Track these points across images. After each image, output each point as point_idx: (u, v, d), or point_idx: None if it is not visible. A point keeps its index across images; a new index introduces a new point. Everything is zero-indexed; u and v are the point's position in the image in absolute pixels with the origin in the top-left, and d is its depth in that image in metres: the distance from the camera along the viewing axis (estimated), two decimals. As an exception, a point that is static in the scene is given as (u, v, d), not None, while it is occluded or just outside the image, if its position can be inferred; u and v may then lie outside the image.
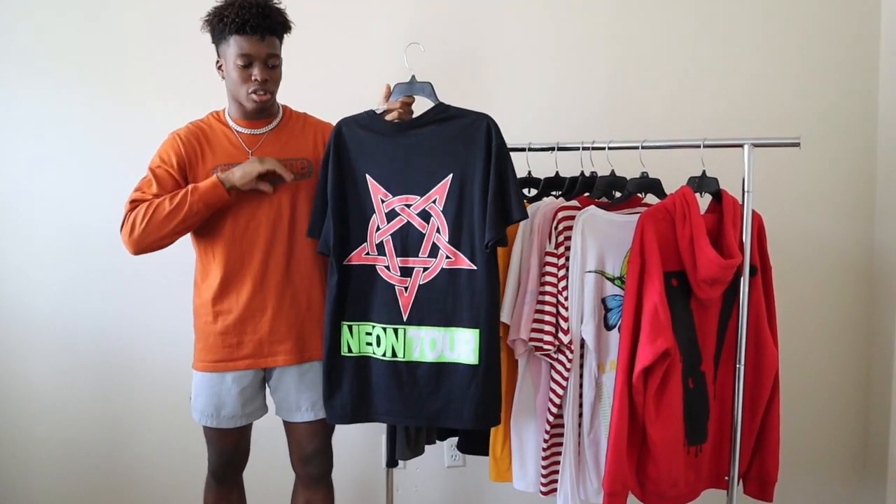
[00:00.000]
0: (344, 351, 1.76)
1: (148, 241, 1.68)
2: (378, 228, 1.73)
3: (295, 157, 1.78)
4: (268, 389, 1.87)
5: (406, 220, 1.71)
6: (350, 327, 1.75)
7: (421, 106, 1.76)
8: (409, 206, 1.71)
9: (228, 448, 1.86)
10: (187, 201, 1.65)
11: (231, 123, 1.78)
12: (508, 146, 1.85)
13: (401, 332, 1.72)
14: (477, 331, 1.66)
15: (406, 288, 1.72)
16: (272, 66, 1.71)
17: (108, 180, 2.27)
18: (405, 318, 1.71)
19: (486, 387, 1.66)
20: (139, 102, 2.28)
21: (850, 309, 2.36)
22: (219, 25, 1.67)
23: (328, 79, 2.25)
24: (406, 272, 1.72)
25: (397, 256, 1.72)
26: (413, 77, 1.77)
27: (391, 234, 1.72)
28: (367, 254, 1.74)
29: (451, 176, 1.68)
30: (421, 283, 1.71)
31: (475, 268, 1.66)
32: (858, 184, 2.33)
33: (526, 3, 2.31)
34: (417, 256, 1.71)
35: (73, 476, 2.40)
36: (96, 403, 2.38)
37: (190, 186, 1.68)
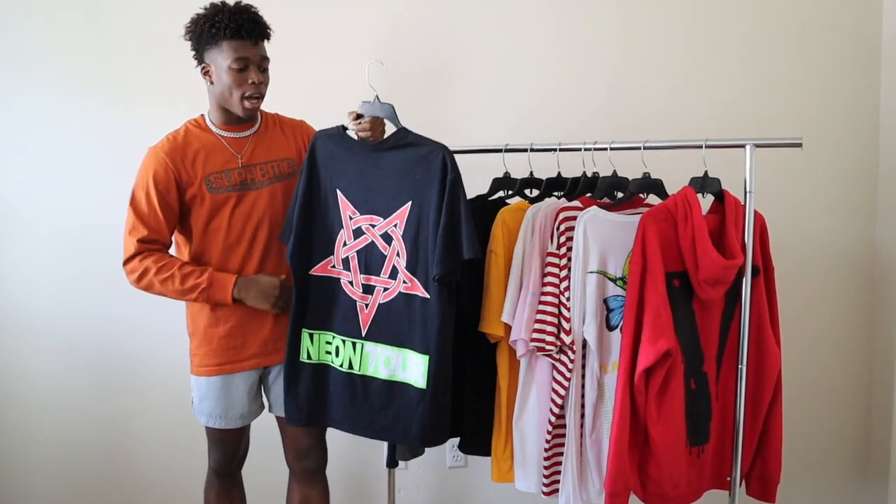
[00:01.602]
0: (303, 357, 1.78)
1: (151, 294, 1.73)
2: (345, 244, 1.75)
3: (281, 157, 1.80)
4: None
5: (371, 240, 1.73)
6: (311, 335, 1.78)
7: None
8: (373, 226, 1.72)
9: (233, 445, 1.89)
10: (194, 294, 1.69)
11: (214, 129, 1.78)
12: (511, 146, 1.85)
13: (359, 345, 1.74)
14: (427, 357, 1.66)
15: (367, 305, 1.74)
16: (263, 70, 1.72)
17: (107, 180, 2.27)
18: (364, 334, 1.74)
19: (431, 410, 1.67)
20: (139, 103, 2.28)
21: (852, 309, 2.36)
22: (210, 31, 1.66)
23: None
24: (368, 290, 1.73)
25: (361, 273, 1.74)
26: (376, 97, 1.76)
27: (356, 251, 1.74)
28: (333, 266, 1.76)
29: (410, 203, 1.68)
30: (381, 301, 1.72)
31: (428, 297, 1.67)
32: (860, 184, 2.32)
33: (528, 1, 2.31)
34: (379, 276, 1.72)
35: (72, 476, 2.39)
36: (96, 403, 2.38)
37: (206, 280, 1.69)
